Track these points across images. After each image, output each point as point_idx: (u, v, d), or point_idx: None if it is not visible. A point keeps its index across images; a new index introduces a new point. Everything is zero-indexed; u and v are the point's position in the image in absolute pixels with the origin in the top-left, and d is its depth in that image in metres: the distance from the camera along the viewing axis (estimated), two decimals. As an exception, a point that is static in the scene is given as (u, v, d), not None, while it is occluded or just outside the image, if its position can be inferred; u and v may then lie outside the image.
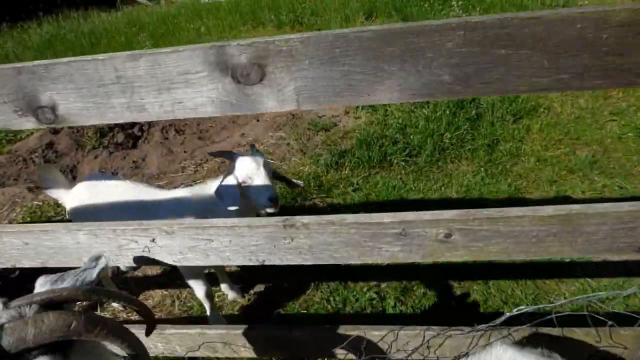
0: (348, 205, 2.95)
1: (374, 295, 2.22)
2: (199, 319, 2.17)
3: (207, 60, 0.84)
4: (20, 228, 1.16)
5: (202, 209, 1.72)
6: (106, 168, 3.66)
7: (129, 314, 2.27)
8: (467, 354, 1.31)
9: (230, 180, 1.67)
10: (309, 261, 1.07)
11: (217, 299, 2.27)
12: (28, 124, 0.96)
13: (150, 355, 1.60)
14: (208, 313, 2.05)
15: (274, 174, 1.76)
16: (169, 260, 1.15)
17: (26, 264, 1.22)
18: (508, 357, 0.93)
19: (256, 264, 1.11)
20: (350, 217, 0.99)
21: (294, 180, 1.81)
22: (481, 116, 3.82)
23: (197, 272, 1.90)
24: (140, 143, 4.05)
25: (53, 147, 3.88)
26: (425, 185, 3.09)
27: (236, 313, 2.24)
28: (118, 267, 2.46)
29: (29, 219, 3.09)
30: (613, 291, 1.97)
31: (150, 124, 4.23)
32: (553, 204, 0.93)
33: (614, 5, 0.70)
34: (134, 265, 1.20)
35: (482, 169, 3.18)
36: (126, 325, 0.82)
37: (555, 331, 1.29)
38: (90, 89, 0.91)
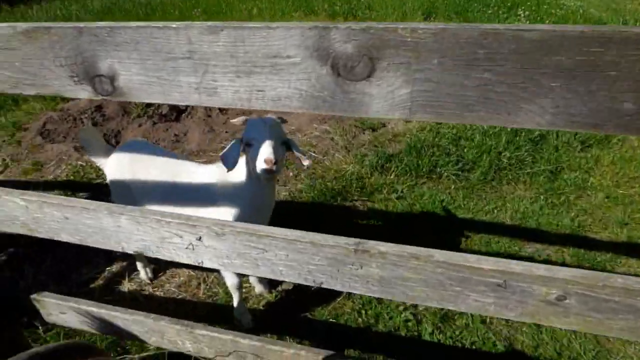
0: (389, 212, 2.76)
1: (410, 317, 2.04)
2: (225, 308, 2.09)
3: (304, 43, 0.68)
4: (62, 201, 1.07)
5: (223, 183, 1.69)
6: (148, 138, 3.62)
7: (155, 289, 2.23)
8: None
9: (236, 143, 1.55)
10: (376, 294, 0.90)
11: (243, 290, 2.17)
12: (83, 92, 0.83)
13: (175, 351, 1.50)
14: (235, 304, 1.97)
15: (286, 143, 1.56)
16: (214, 263, 1.01)
17: (64, 238, 1.13)
18: None
19: (312, 285, 0.96)
20: (439, 255, 0.81)
21: (304, 156, 1.58)
22: (545, 138, 3.51)
23: None
24: (183, 117, 3.99)
25: (101, 110, 3.90)
26: (477, 204, 2.85)
27: (261, 308, 2.14)
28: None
29: (72, 177, 3.14)
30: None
31: (195, 99, 4.17)
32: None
33: None
34: (174, 259, 1.07)
35: (541, 196, 2.90)
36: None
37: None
38: (157, 61, 0.76)
